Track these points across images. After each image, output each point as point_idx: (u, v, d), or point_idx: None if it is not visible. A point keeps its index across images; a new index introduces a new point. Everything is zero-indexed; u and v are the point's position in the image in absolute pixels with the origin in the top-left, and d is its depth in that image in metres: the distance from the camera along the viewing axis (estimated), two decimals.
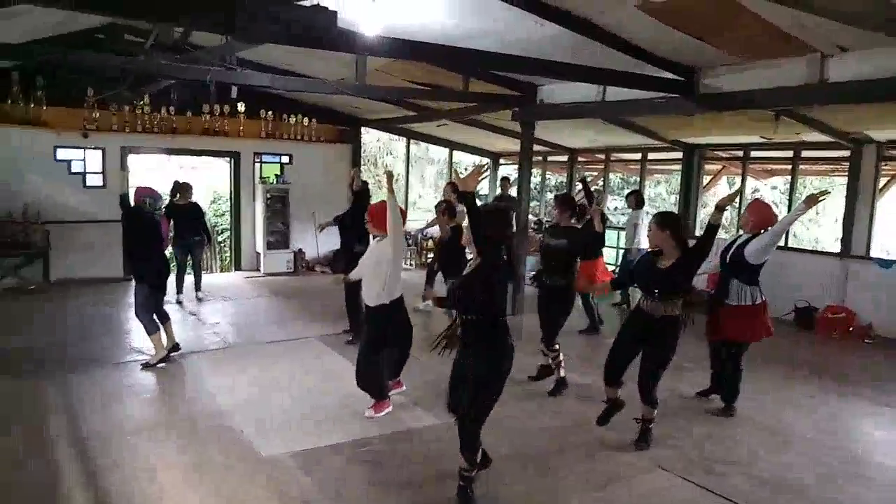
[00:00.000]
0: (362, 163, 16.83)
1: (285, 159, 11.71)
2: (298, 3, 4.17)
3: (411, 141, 14.35)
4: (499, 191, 11.82)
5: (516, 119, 8.48)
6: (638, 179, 11.55)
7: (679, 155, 10.49)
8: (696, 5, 5.07)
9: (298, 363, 6.24)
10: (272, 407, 5.11)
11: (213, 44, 7.42)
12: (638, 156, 11.39)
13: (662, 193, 17.57)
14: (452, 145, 13.86)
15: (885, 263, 7.86)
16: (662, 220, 4.43)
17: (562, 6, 5.46)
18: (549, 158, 13.31)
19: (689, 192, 10.35)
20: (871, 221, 8.19)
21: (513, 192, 10.27)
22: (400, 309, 4.92)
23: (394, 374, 5.27)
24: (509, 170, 13.39)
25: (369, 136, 16.71)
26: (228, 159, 11.53)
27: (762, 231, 5.14)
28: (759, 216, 5.24)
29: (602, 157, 12.18)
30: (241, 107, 10.97)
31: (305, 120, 11.67)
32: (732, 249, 5.21)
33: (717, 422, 5.11)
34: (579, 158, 12.60)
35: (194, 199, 8.88)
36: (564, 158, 12.79)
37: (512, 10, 5.52)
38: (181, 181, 8.71)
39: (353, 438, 4.55)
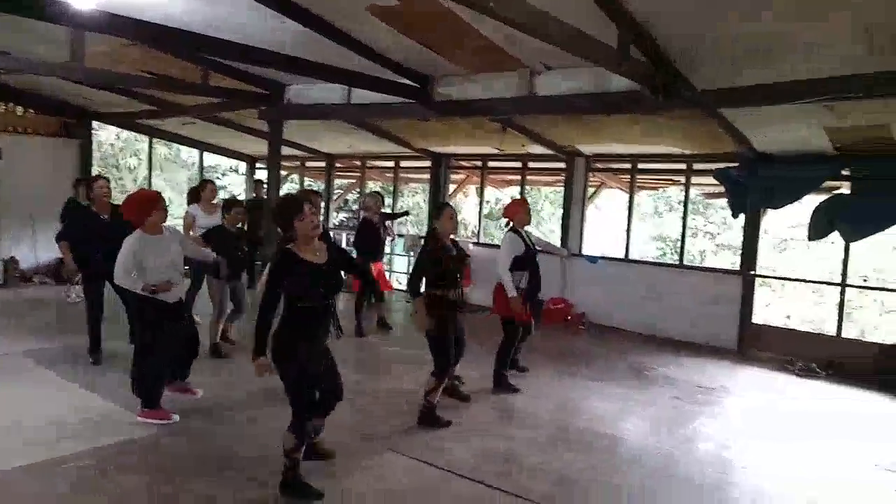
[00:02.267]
0: (100, 164, 15.16)
1: None
2: None
3: (156, 140, 13.23)
4: (252, 194, 11.42)
5: (263, 118, 8.29)
6: (392, 187, 12.01)
7: (428, 164, 11.13)
8: (423, 15, 5.40)
9: None
10: None
11: None
12: (392, 163, 11.85)
13: (420, 203, 18.44)
14: (203, 147, 13.06)
15: (592, 259, 9.13)
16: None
17: (299, 3, 5.46)
18: (308, 164, 13.23)
19: (438, 198, 11.01)
20: (583, 224, 9.49)
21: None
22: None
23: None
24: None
25: (107, 134, 15.07)
26: None
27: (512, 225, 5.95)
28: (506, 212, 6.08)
29: (359, 163, 12.43)
30: None
31: (19, 109, 10.12)
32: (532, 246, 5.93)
33: (453, 406, 5.43)
34: (337, 164, 12.71)
35: None
36: (323, 164, 12.81)
37: (255, 5, 5.37)
38: None
39: (53, 457, 3.99)
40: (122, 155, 16.91)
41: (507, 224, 6.01)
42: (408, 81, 6.76)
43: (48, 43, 7.05)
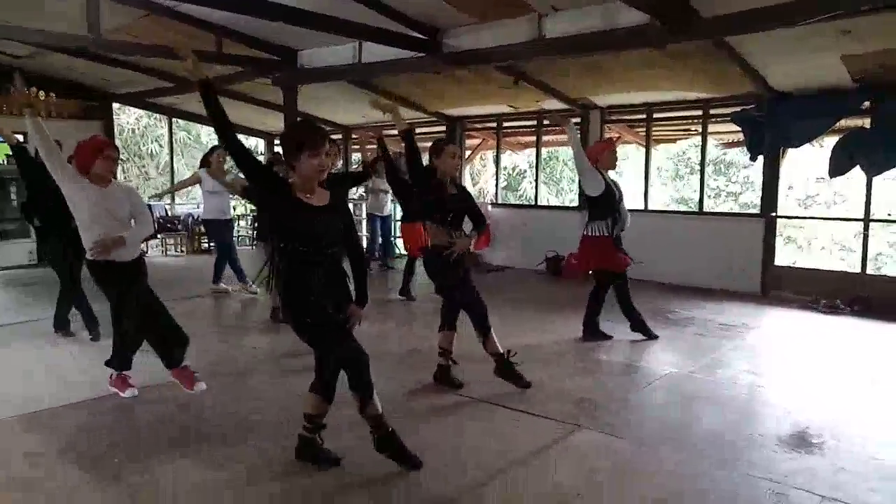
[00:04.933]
0: (122, 149, 15.41)
1: (18, 137, 10.22)
2: None
3: (175, 125, 13.44)
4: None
5: (277, 84, 8.39)
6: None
7: (443, 128, 11.15)
8: None
9: (24, 341, 5.58)
10: None
11: None
12: None
13: None
14: None
15: None
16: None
17: None
18: None
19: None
20: None
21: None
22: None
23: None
24: None
25: (128, 118, 15.33)
26: None
27: (595, 166, 5.52)
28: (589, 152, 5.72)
29: (373, 133, 12.49)
30: None
31: (41, 93, 10.33)
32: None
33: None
34: (353, 135, 12.80)
35: None
36: (339, 136, 12.90)
37: None
38: None
39: (92, 397, 4.17)
40: (144, 141, 17.19)
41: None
42: (417, 34, 6.79)
43: (64, 20, 7.19)
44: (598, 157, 5.66)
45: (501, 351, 4.38)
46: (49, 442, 3.51)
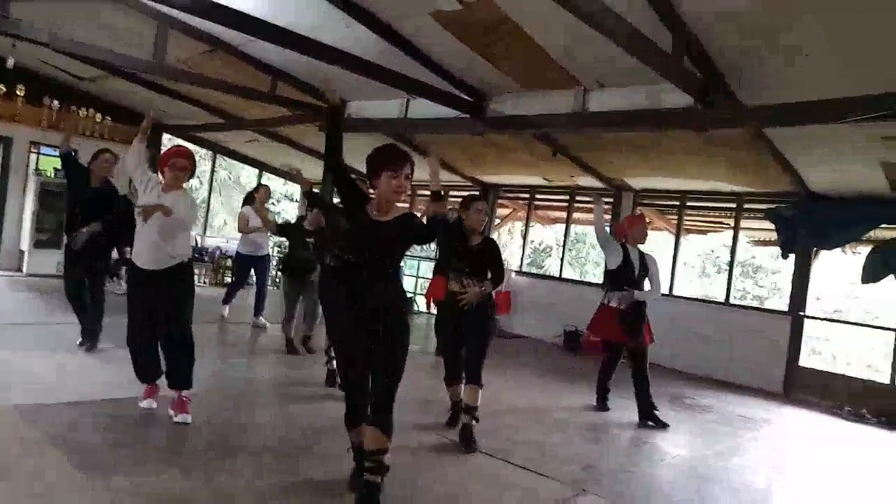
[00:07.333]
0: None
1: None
2: None
3: (218, 158, 13.86)
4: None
5: (323, 131, 8.63)
6: None
7: (476, 194, 11.31)
8: (483, 22, 5.66)
9: (43, 341, 5.62)
10: None
11: None
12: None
13: None
14: (264, 167, 13.60)
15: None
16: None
17: (367, 7, 5.80)
18: None
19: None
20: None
21: None
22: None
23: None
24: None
25: None
26: None
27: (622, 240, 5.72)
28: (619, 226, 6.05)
29: (409, 194, 12.73)
30: (20, 91, 9.93)
31: (98, 116, 10.81)
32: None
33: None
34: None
35: None
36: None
37: (322, 6, 5.75)
38: None
39: (93, 399, 4.14)
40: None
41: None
42: (464, 96, 7.00)
43: (131, 45, 7.57)
44: (626, 231, 5.81)
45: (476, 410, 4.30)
46: (47, 434, 3.47)
